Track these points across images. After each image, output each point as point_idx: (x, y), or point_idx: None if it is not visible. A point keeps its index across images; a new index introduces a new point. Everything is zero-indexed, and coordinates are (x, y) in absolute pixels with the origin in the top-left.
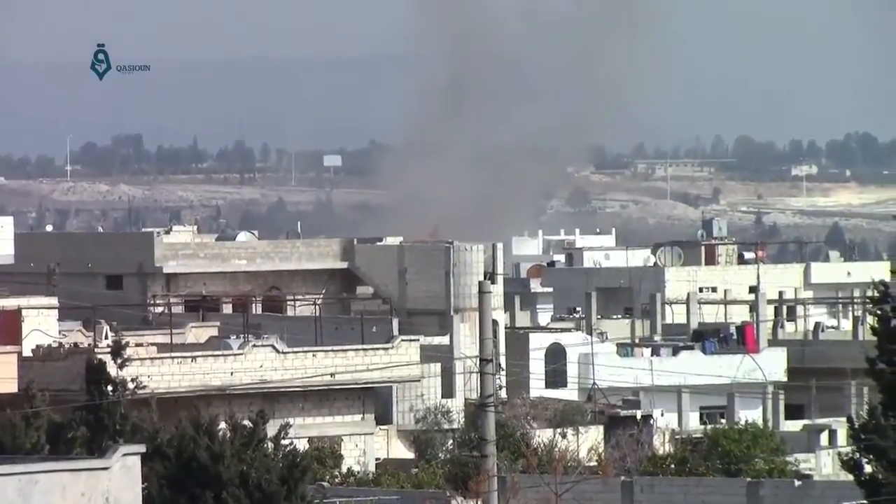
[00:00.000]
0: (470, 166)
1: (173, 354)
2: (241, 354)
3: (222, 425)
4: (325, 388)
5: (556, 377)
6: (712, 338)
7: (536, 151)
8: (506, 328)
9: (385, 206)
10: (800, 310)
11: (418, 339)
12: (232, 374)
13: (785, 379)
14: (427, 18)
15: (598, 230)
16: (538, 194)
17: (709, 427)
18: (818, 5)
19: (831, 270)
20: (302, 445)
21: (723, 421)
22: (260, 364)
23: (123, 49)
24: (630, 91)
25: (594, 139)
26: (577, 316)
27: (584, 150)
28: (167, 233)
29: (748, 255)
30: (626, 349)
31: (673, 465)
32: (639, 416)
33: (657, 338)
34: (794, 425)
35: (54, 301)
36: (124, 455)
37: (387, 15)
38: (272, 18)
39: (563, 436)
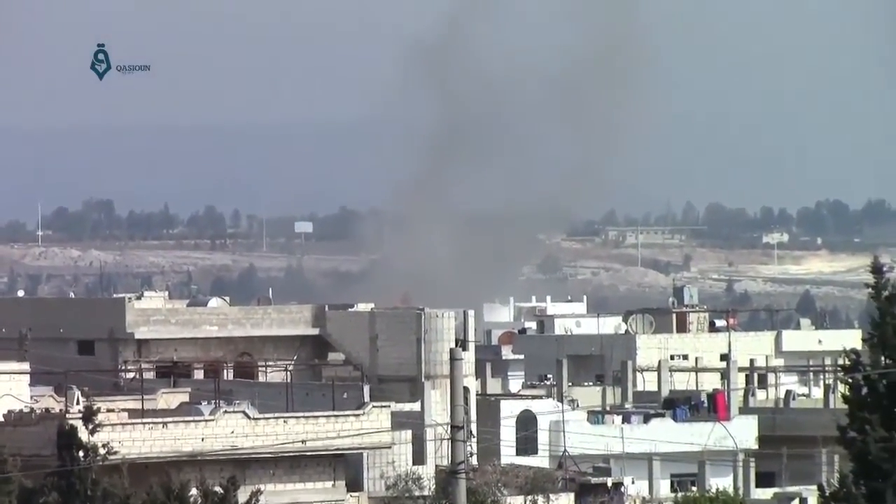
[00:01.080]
0: (444, 233)
1: (144, 420)
2: (213, 420)
3: (193, 491)
4: (297, 454)
5: (527, 444)
6: (683, 405)
7: (513, 218)
8: (477, 395)
9: (356, 272)
10: (771, 377)
11: (389, 406)
12: (203, 439)
13: (756, 447)
14: (408, 86)
15: (569, 297)
16: (513, 261)
17: (680, 495)
18: (786, 75)
19: (802, 338)
20: None
21: (694, 489)
22: (231, 430)
23: (86, 114)
24: (615, 155)
25: (576, 204)
26: (549, 383)
27: (565, 215)
28: (138, 298)
29: (719, 323)
30: (597, 416)
31: None
32: (610, 484)
33: (628, 405)
34: (765, 493)
35: (26, 366)
36: None
37: (360, 82)
38: (243, 85)
39: (534, 503)
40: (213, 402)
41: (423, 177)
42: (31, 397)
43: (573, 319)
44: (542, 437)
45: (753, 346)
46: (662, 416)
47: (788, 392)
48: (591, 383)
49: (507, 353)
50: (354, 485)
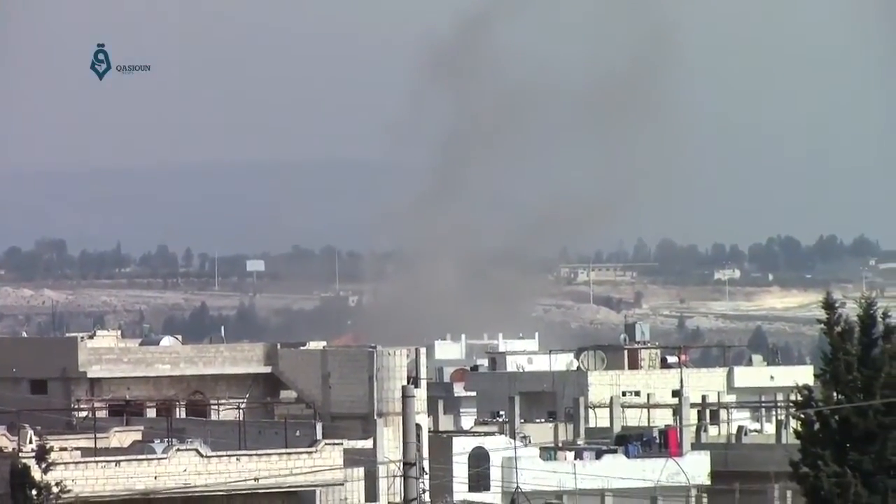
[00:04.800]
0: (406, 271)
1: (97, 459)
2: (165, 459)
3: None
4: (249, 492)
5: (479, 481)
6: (636, 441)
7: (476, 255)
8: (429, 432)
9: (308, 310)
10: (723, 413)
11: (342, 443)
12: (156, 478)
13: (708, 482)
14: (395, 128)
15: (521, 334)
16: (460, 298)
17: None
18: (740, 114)
19: (754, 374)
20: None
21: None
22: (184, 468)
23: (39, 155)
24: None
25: (533, 242)
26: (501, 420)
27: (523, 252)
28: (91, 337)
29: (671, 359)
30: (549, 453)
31: None
32: None
33: (580, 441)
34: None
35: None
36: None
37: (314, 122)
38: (195, 125)
39: None
40: (165, 440)
41: (380, 215)
42: None
43: (525, 356)
44: (495, 474)
45: (705, 383)
46: (615, 452)
47: (741, 428)
48: (543, 420)
49: (459, 390)
50: None
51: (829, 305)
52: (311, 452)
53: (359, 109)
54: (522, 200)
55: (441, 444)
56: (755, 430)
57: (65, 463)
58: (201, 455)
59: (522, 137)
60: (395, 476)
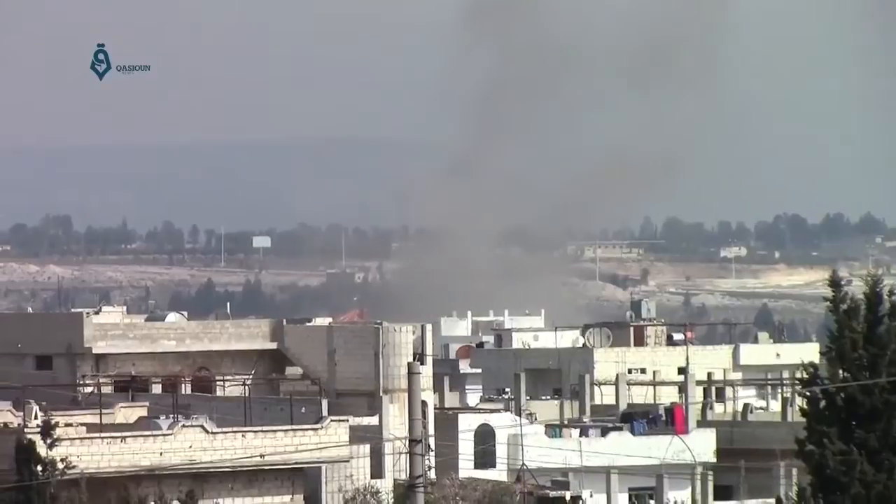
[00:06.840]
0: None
1: (103, 434)
2: (171, 435)
3: None
4: (255, 468)
5: (485, 458)
6: (641, 419)
7: (475, 233)
8: (435, 409)
9: (314, 286)
10: (729, 391)
11: (347, 420)
12: (161, 454)
13: (714, 460)
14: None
15: (527, 311)
16: (474, 275)
17: None
18: (746, 92)
19: (760, 352)
20: None
21: (652, 502)
22: (189, 444)
23: (45, 131)
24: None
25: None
26: (506, 397)
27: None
28: (96, 313)
29: (677, 337)
30: (554, 430)
31: None
32: (568, 498)
33: (586, 419)
34: None
35: None
36: None
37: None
38: (201, 104)
39: None
40: (171, 416)
41: (388, 193)
42: None
43: (531, 333)
44: (500, 451)
45: (711, 360)
46: (620, 429)
47: (746, 405)
48: (548, 397)
49: (464, 367)
50: (313, 499)
51: (835, 283)
52: (316, 429)
53: (378, 87)
54: (536, 180)
55: (447, 420)
56: (761, 408)
57: (70, 439)
58: (207, 431)
59: (555, 103)
60: (400, 453)
